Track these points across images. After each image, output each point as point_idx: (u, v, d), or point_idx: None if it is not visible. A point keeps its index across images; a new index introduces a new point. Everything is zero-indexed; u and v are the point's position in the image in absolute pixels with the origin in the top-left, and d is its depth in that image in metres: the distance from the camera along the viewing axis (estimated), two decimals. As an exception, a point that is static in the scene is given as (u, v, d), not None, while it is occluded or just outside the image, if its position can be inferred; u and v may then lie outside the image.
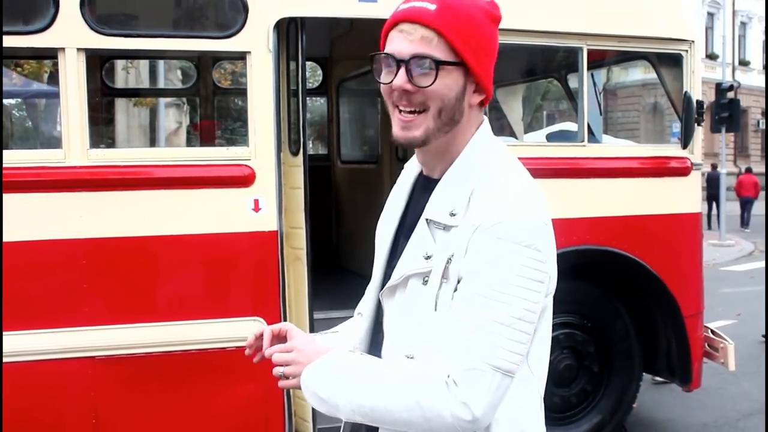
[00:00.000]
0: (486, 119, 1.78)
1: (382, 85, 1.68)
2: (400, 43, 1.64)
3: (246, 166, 4.30)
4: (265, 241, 4.34)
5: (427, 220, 1.69)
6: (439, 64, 1.61)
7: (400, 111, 1.66)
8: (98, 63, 6.72)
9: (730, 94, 10.34)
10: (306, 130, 4.55)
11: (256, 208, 4.31)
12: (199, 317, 4.28)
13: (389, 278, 1.75)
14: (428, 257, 1.65)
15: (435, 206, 1.69)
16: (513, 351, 1.56)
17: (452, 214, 1.64)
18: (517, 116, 7.13)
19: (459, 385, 1.53)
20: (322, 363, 1.68)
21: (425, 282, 1.65)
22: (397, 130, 1.69)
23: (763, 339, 8.24)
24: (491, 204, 1.60)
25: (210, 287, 4.32)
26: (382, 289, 1.79)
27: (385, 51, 1.67)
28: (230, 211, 4.29)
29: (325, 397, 1.64)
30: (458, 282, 1.60)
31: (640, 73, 31.03)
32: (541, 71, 6.98)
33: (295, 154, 4.55)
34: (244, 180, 4.29)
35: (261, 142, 4.32)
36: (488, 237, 1.57)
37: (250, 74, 4.30)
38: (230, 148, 4.47)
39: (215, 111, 8.33)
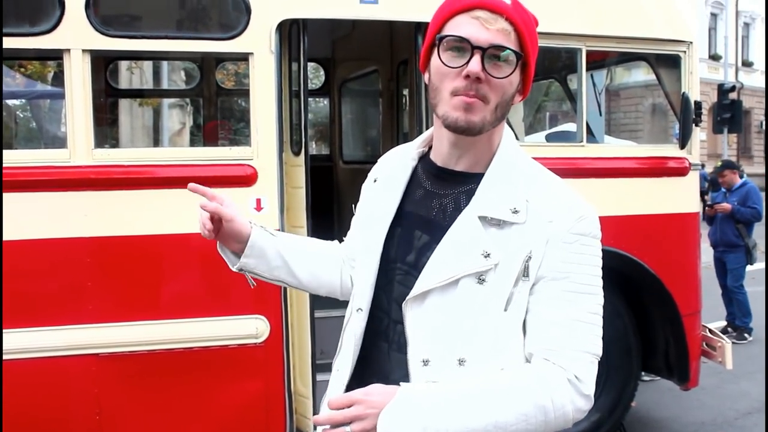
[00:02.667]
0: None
1: (446, 67, 1.62)
2: (477, 29, 1.59)
3: (248, 165, 4.35)
4: None
5: (480, 217, 1.64)
6: (518, 57, 1.61)
7: (465, 95, 1.61)
8: (102, 64, 6.78)
9: (733, 95, 10.35)
10: (308, 131, 4.61)
11: (258, 208, 4.36)
12: (201, 315, 4.34)
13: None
14: (487, 255, 1.62)
15: (490, 203, 1.65)
16: (599, 339, 1.65)
17: (515, 211, 1.63)
18: (518, 117, 7.14)
19: (582, 380, 1.60)
20: (400, 403, 1.53)
21: (481, 281, 1.61)
22: (456, 112, 1.62)
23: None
24: (559, 202, 1.66)
25: (212, 285, 4.37)
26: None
27: (457, 35, 1.60)
28: None
29: None
30: (537, 279, 1.62)
31: (642, 74, 31.02)
32: (542, 72, 7.01)
33: (296, 154, 4.60)
34: (247, 179, 4.34)
35: (263, 142, 4.37)
36: (571, 235, 1.63)
37: (253, 75, 4.35)
38: (233, 148, 4.54)
39: (218, 111, 8.39)
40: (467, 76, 1.59)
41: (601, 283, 1.67)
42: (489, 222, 1.64)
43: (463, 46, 1.59)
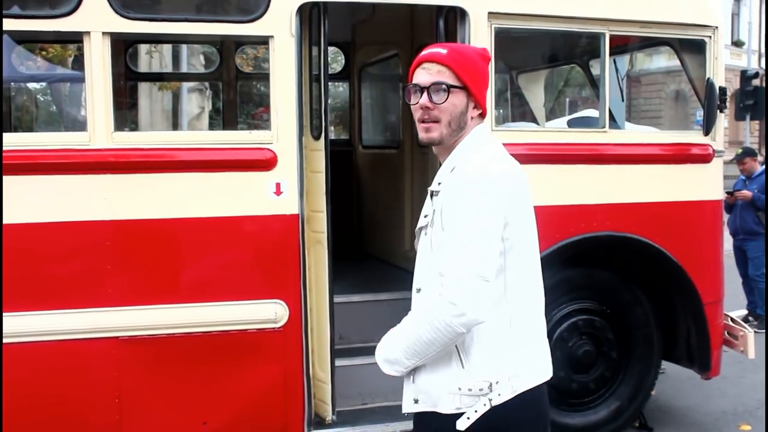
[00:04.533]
0: (480, 125, 2.46)
1: (411, 105, 2.44)
2: (423, 75, 2.39)
3: (268, 149, 4.33)
4: (286, 224, 4.38)
5: (428, 191, 2.45)
6: (449, 87, 2.36)
7: (423, 121, 2.41)
8: (122, 47, 6.76)
9: (755, 82, 10.22)
10: (328, 115, 4.57)
11: (278, 192, 4.35)
12: (220, 299, 4.33)
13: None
14: (426, 216, 2.43)
15: (434, 181, 2.44)
16: (482, 259, 2.20)
17: (439, 184, 2.39)
18: (539, 102, 7.13)
19: (456, 303, 2.17)
20: (382, 340, 2.43)
21: (426, 233, 2.41)
22: (421, 134, 2.44)
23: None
24: (458, 172, 2.34)
25: (231, 270, 4.36)
26: None
27: (412, 82, 2.42)
28: (252, 194, 4.33)
29: (392, 359, 2.36)
30: (443, 227, 2.31)
31: (664, 60, 30.80)
32: (564, 57, 6.96)
33: (316, 138, 4.58)
34: (266, 163, 4.32)
35: (283, 126, 4.35)
36: (447, 186, 2.33)
37: (273, 58, 4.32)
38: (252, 132, 4.52)
39: (238, 96, 8.37)
40: (422, 108, 2.39)
41: (476, 222, 2.22)
42: (431, 194, 2.43)
43: (417, 88, 2.40)
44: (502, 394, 2.28)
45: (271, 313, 4.40)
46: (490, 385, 2.27)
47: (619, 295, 5.24)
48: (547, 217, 4.80)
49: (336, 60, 8.50)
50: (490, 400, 2.27)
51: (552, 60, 7.03)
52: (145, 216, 4.22)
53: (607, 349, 5.23)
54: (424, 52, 2.44)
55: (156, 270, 4.27)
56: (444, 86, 2.35)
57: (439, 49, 2.41)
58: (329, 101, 4.68)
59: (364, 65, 7.48)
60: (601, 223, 4.97)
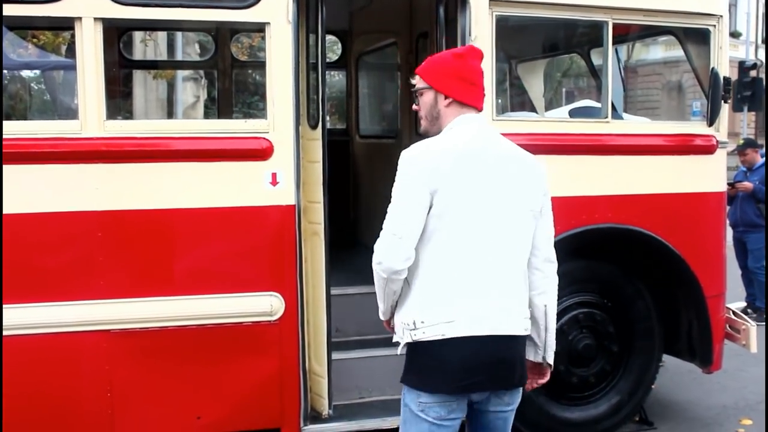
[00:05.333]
0: (461, 115, 2.94)
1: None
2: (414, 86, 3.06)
3: (264, 139, 4.24)
4: (282, 215, 4.30)
5: None
6: (418, 90, 3.02)
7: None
8: (116, 34, 6.67)
9: (753, 73, 10.15)
10: (325, 104, 4.49)
11: (274, 182, 4.26)
12: (215, 291, 4.25)
13: None
14: None
15: None
16: (396, 221, 2.79)
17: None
18: (538, 92, 7.04)
19: (375, 250, 2.84)
20: None
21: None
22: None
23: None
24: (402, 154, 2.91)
25: (226, 261, 4.28)
26: None
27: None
28: (248, 184, 4.25)
29: (379, 307, 3.01)
30: None
31: (661, 51, 30.73)
32: (564, 46, 6.87)
33: (313, 127, 4.48)
34: (262, 153, 4.24)
35: (279, 115, 4.26)
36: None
37: (269, 45, 4.23)
38: (248, 121, 4.42)
39: (233, 84, 8.27)
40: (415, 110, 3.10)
41: (401, 193, 2.82)
42: None
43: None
44: (426, 333, 2.76)
45: (266, 305, 4.31)
46: (414, 322, 2.79)
47: (620, 288, 5.16)
48: None
49: (333, 49, 8.39)
50: (414, 336, 2.80)
51: (552, 49, 6.94)
52: (137, 206, 4.13)
53: (608, 342, 5.15)
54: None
55: (149, 262, 4.18)
56: (417, 91, 3.02)
57: (422, 63, 3.05)
58: (326, 90, 4.58)
59: (361, 54, 7.38)
60: (603, 214, 4.89)
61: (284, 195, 4.28)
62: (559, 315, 4.91)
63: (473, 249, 2.79)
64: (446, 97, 2.91)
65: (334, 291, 4.62)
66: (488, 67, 4.53)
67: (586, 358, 5.10)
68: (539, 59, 7.02)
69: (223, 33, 7.28)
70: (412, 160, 2.83)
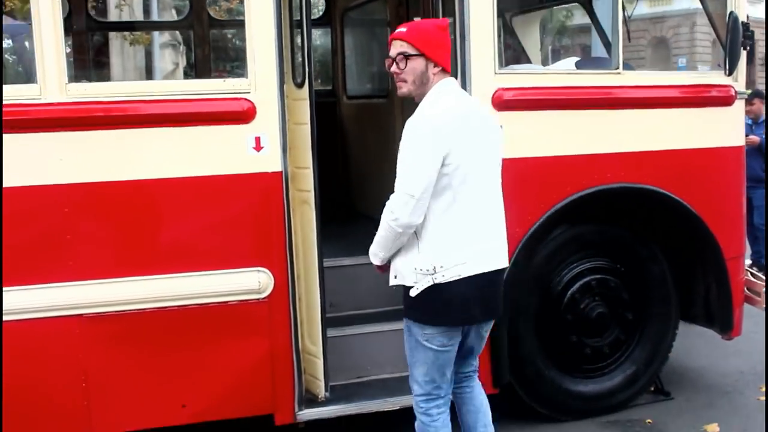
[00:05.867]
0: (444, 80, 3.26)
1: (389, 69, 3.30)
2: (392, 50, 3.26)
3: (245, 99, 3.86)
4: (268, 182, 3.94)
5: None
6: (407, 56, 3.21)
7: (397, 82, 3.30)
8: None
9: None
10: (312, 59, 4.08)
11: (258, 147, 3.90)
12: (196, 269, 3.89)
13: None
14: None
15: None
16: (412, 182, 3.08)
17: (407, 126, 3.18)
18: (534, 47, 6.64)
19: (393, 210, 3.12)
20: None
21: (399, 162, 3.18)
22: (398, 90, 3.35)
23: None
24: (411, 119, 3.17)
25: (207, 235, 3.91)
26: None
27: (388, 55, 3.28)
28: (229, 150, 3.88)
29: (373, 251, 3.34)
30: None
31: (646, 7, 30.35)
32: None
33: (299, 86, 4.07)
34: (244, 115, 3.86)
35: (261, 73, 3.87)
36: (405, 132, 3.15)
37: (248, -5, 3.83)
38: (227, 80, 3.99)
39: (212, 50, 7.79)
40: (394, 73, 3.30)
41: (413, 155, 3.10)
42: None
43: (390, 59, 3.27)
44: (446, 276, 3.14)
45: (254, 282, 3.96)
46: (434, 267, 3.14)
47: (634, 252, 4.82)
48: (557, 169, 4.44)
49: (316, 5, 7.94)
50: (434, 279, 3.15)
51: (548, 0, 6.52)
52: (107, 178, 3.74)
53: (622, 310, 4.82)
54: (394, 32, 3.31)
55: (122, 239, 3.82)
56: (403, 56, 3.21)
57: (403, 29, 3.28)
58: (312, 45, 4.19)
59: (346, 9, 6.93)
60: (615, 173, 4.53)
61: (269, 161, 3.92)
62: (571, 282, 4.74)
63: (476, 199, 3.21)
64: (436, 65, 3.22)
65: (326, 263, 4.26)
66: (489, 17, 4.22)
67: (599, 327, 4.77)
68: (536, 11, 6.60)
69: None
70: (425, 125, 3.13)
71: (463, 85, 4.14)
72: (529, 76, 4.59)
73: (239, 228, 3.94)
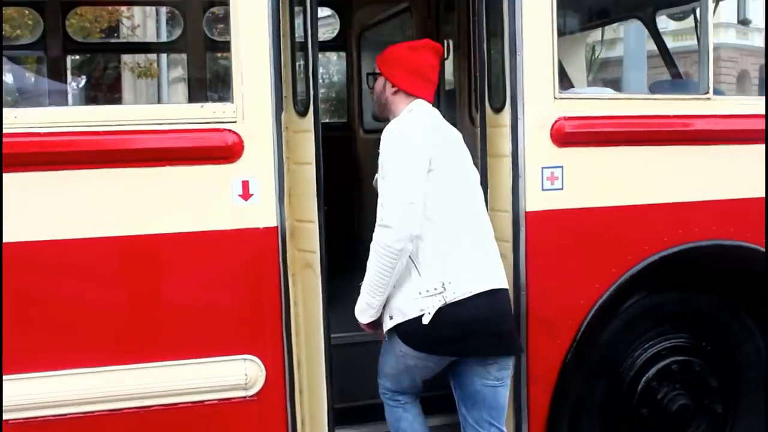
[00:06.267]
0: (413, 102, 3.17)
1: None
2: None
3: (229, 131, 3.07)
4: (258, 241, 3.16)
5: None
6: (369, 75, 3.45)
7: None
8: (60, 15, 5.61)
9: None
10: (317, 80, 3.25)
11: (245, 194, 3.13)
12: (162, 358, 3.08)
13: None
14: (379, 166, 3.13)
15: None
16: (406, 188, 2.93)
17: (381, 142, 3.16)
18: (579, 70, 5.94)
19: (386, 224, 2.92)
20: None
21: (383, 178, 3.05)
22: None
23: None
24: (384, 136, 3.10)
25: (177, 314, 3.11)
26: None
27: None
28: (207, 198, 3.10)
29: (362, 307, 3.06)
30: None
31: (670, 41, 30.09)
32: (620, 10, 5.64)
33: (302, 114, 3.26)
34: (227, 152, 3.08)
35: (251, 97, 3.10)
36: (382, 149, 3.08)
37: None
38: (206, 105, 3.11)
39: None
40: None
41: (399, 164, 2.96)
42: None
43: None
44: (456, 293, 2.93)
45: (239, 374, 3.15)
46: (443, 284, 2.93)
47: (723, 327, 3.94)
48: (632, 222, 3.61)
49: (329, 24, 7.20)
50: (445, 297, 2.92)
51: (601, 16, 5.72)
52: (42, 236, 2.93)
53: (709, 401, 3.90)
54: None
55: (62, 317, 2.98)
56: (370, 78, 3.37)
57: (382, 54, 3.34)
58: (321, 75, 3.40)
59: (365, 28, 6.20)
60: (705, 227, 3.66)
61: (261, 213, 3.15)
62: (646, 365, 3.86)
63: (466, 215, 3.08)
64: (393, 86, 3.20)
65: (335, 340, 3.47)
66: (548, 27, 3.47)
67: (682, 422, 3.88)
68: (586, 30, 5.84)
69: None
70: (409, 130, 3.05)
71: (513, 115, 3.39)
72: (597, 102, 3.67)
73: (219, 303, 3.13)
